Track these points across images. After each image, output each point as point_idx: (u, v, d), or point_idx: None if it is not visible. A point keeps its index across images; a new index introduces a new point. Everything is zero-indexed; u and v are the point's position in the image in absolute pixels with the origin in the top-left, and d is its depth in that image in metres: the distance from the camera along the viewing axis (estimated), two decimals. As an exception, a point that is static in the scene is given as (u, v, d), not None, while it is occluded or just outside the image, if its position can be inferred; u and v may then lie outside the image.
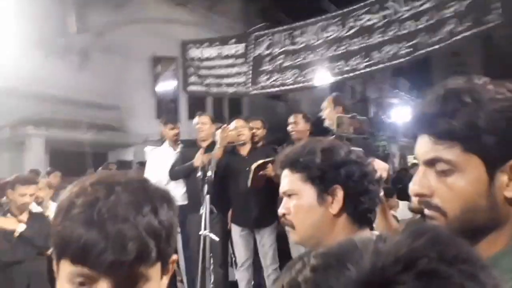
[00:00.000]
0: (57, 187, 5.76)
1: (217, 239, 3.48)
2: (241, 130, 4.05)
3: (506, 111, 0.69)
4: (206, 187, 3.54)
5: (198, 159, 4.00)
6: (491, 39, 9.93)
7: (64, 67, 9.86)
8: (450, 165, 0.71)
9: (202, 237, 3.49)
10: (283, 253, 3.88)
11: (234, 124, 4.11)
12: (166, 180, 4.33)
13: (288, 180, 1.17)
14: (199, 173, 3.68)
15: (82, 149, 6.85)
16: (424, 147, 0.75)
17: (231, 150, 4.07)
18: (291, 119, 4.20)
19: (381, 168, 1.41)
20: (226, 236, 4.12)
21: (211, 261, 3.70)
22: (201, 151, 4.06)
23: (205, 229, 3.45)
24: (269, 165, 3.66)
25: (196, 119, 4.34)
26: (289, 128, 4.17)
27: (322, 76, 5.34)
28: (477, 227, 0.72)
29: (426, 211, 0.76)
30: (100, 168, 6.37)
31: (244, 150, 4.09)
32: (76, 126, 10.05)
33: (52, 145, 10.30)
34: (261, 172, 3.70)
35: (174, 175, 4.26)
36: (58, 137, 10.02)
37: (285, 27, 5.95)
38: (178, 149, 4.45)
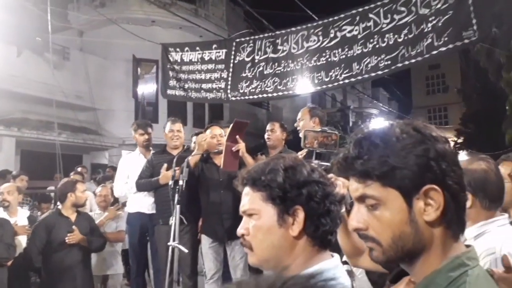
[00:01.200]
0: (24, 191, 5.56)
1: (186, 250, 3.37)
2: (220, 139, 3.95)
3: (411, 148, 0.80)
4: (176, 197, 3.44)
5: (164, 177, 3.90)
6: (468, 53, 10.16)
7: (40, 66, 9.59)
8: (374, 199, 0.82)
9: (170, 248, 3.38)
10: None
11: (211, 131, 4.00)
12: (135, 188, 4.20)
13: (248, 199, 1.13)
14: (170, 182, 3.57)
15: (55, 151, 6.63)
16: (352, 186, 0.86)
17: (204, 158, 3.97)
18: (268, 126, 4.22)
19: (339, 184, 1.37)
20: (195, 247, 4.02)
21: (180, 273, 3.59)
22: (164, 167, 3.94)
23: (174, 240, 3.34)
24: (242, 143, 3.59)
25: (170, 126, 4.21)
26: (266, 135, 4.19)
27: (303, 86, 5.32)
28: (408, 252, 0.81)
29: (366, 243, 0.86)
30: (72, 173, 6.16)
31: (218, 160, 3.98)
32: (49, 127, 9.78)
33: (23, 146, 9.99)
34: (233, 148, 3.60)
35: (140, 187, 4.14)
36: (30, 138, 9.73)
37: (267, 34, 5.91)
38: (148, 157, 4.32)
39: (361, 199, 0.84)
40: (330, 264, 1.09)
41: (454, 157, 0.83)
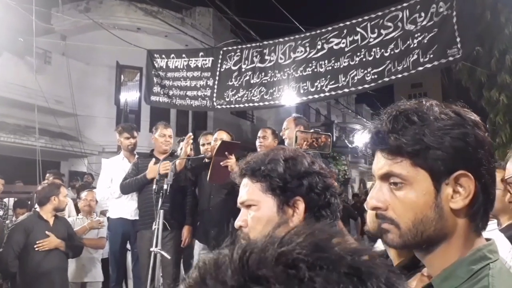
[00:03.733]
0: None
1: (168, 257, 3.27)
2: (208, 147, 3.99)
3: (449, 129, 0.76)
4: (160, 201, 3.35)
5: (151, 171, 3.80)
6: (450, 72, 10.44)
7: (19, 68, 9.36)
8: (400, 178, 0.78)
9: (152, 254, 3.28)
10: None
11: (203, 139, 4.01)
12: (118, 193, 4.09)
13: (247, 190, 1.10)
14: (154, 186, 3.49)
15: (33, 157, 6.42)
16: (378, 163, 0.82)
17: (204, 164, 3.94)
18: (260, 133, 4.12)
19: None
20: (178, 254, 3.92)
21: (161, 280, 3.47)
22: (152, 161, 3.85)
23: (156, 246, 3.24)
24: (232, 158, 3.50)
25: (161, 130, 4.11)
26: (257, 142, 4.08)
27: (289, 96, 5.33)
28: (428, 238, 0.77)
29: (382, 224, 0.81)
30: (50, 177, 5.97)
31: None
32: (27, 132, 9.50)
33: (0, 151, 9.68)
34: (222, 163, 3.54)
35: (125, 188, 3.99)
36: (7, 143, 9.43)
37: (254, 44, 5.94)
38: (134, 160, 4.21)
39: (386, 177, 0.80)
40: None
41: (491, 147, 0.79)
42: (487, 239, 0.81)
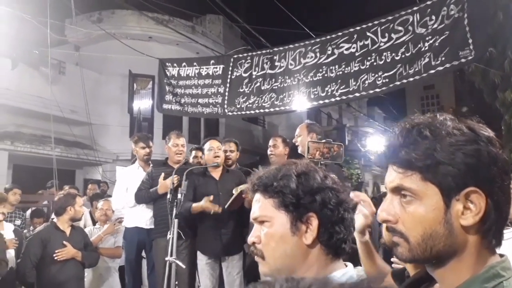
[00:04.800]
0: (16, 205, 5.46)
1: (183, 266, 3.29)
2: (218, 152, 3.93)
3: (461, 145, 0.75)
4: (174, 211, 3.38)
5: (162, 187, 3.84)
6: (463, 74, 10.31)
7: (35, 79, 9.55)
8: (410, 192, 0.78)
9: (168, 264, 3.30)
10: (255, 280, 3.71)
11: (209, 145, 3.97)
12: (133, 202, 4.13)
13: (260, 206, 1.09)
14: (168, 195, 3.52)
15: (48, 166, 6.54)
16: (390, 176, 0.82)
17: (202, 172, 3.93)
18: (270, 142, 4.12)
19: (365, 213, 1.33)
20: (193, 263, 3.93)
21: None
22: (162, 177, 3.89)
23: (171, 255, 3.27)
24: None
25: (174, 140, 4.14)
26: (268, 151, 4.08)
27: (299, 101, 5.33)
28: (437, 254, 0.77)
29: (393, 237, 0.81)
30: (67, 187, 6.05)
31: (216, 173, 3.95)
32: (43, 141, 9.66)
33: (16, 160, 9.85)
34: (243, 194, 3.54)
35: (139, 199, 4.06)
36: (23, 152, 9.60)
37: (264, 51, 5.96)
38: (148, 170, 4.25)
39: (397, 190, 0.80)
40: (346, 274, 1.05)
41: (506, 165, 0.77)
42: (501, 255, 0.80)
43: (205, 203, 3.62)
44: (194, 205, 3.66)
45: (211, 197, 3.65)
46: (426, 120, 0.81)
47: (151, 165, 4.35)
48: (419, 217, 0.77)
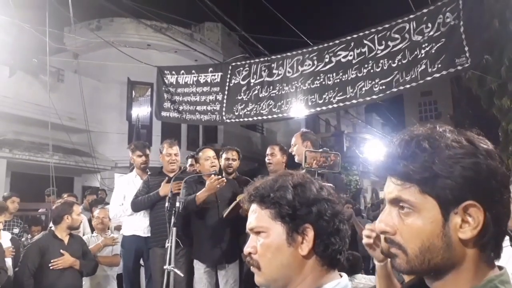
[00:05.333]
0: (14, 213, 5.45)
1: (181, 274, 3.29)
2: (214, 161, 3.93)
3: (459, 158, 0.75)
4: (173, 219, 3.38)
5: (164, 188, 3.84)
6: (460, 80, 10.36)
7: (33, 87, 9.57)
8: (409, 204, 0.78)
9: (166, 272, 3.30)
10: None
11: (203, 154, 3.97)
12: (131, 211, 4.13)
13: (256, 216, 1.09)
14: (167, 204, 3.52)
15: (47, 173, 6.53)
16: (389, 187, 0.82)
17: (198, 181, 3.93)
18: (268, 150, 4.12)
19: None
20: (191, 271, 3.92)
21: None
22: (165, 181, 3.89)
23: (169, 263, 3.26)
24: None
25: (167, 149, 4.15)
26: (266, 159, 4.08)
27: (297, 108, 5.36)
28: (435, 266, 0.77)
29: (391, 248, 0.82)
30: (65, 196, 6.05)
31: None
32: (41, 149, 9.66)
33: (14, 168, 9.84)
34: (241, 204, 3.52)
35: (136, 205, 4.03)
36: (22, 160, 9.60)
37: (262, 59, 5.99)
38: (145, 179, 4.25)
39: (395, 202, 0.80)
40: (339, 285, 1.06)
41: (505, 178, 0.76)
42: (500, 267, 0.80)
43: (209, 184, 3.56)
44: (198, 194, 3.60)
45: (212, 175, 3.61)
46: (425, 132, 0.81)
47: (148, 173, 4.36)
48: (416, 230, 0.77)
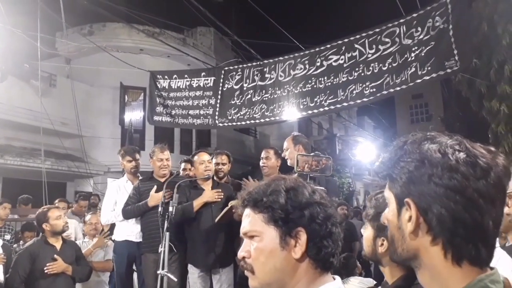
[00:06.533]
0: (6, 219, 5.41)
1: (175, 279, 3.29)
2: (209, 165, 3.94)
3: (406, 161, 0.82)
4: (166, 224, 3.38)
5: (153, 199, 3.83)
6: (449, 83, 10.47)
7: (25, 92, 9.51)
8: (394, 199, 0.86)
9: (159, 277, 3.29)
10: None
11: (199, 157, 3.98)
12: (122, 216, 4.12)
13: (249, 221, 1.11)
14: (160, 209, 3.52)
15: (39, 179, 6.50)
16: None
17: (192, 185, 3.93)
18: (263, 154, 4.13)
19: None
20: (184, 276, 3.92)
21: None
22: (153, 189, 3.89)
23: (163, 268, 3.26)
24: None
25: (158, 154, 4.14)
26: (261, 163, 4.09)
27: (289, 112, 5.39)
28: (398, 259, 0.84)
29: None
30: (56, 201, 6.02)
31: (207, 186, 3.96)
32: (33, 154, 9.60)
33: (6, 174, 9.76)
34: (233, 209, 3.55)
35: (127, 214, 4.03)
36: (13, 165, 9.52)
37: (255, 63, 6.02)
38: (135, 185, 4.23)
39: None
40: (333, 287, 1.08)
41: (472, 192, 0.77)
42: (491, 268, 0.80)
43: (208, 193, 3.67)
44: (195, 202, 3.65)
45: (210, 185, 3.67)
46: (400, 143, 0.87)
47: (140, 177, 4.34)
48: (388, 219, 0.87)
